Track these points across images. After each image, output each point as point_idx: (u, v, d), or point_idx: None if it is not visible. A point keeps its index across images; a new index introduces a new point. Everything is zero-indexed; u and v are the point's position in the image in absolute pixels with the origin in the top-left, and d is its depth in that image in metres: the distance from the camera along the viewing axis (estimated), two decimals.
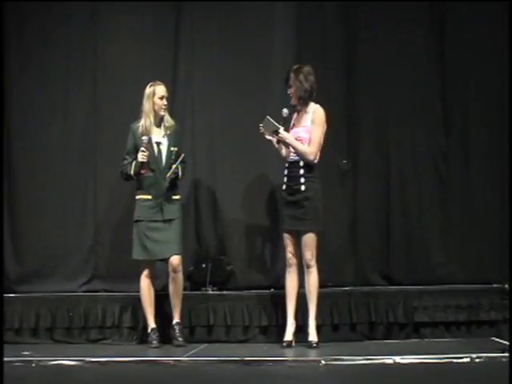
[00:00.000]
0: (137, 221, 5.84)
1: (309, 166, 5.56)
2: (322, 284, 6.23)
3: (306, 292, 5.62)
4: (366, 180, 6.44)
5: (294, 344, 5.58)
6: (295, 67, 5.67)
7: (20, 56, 6.75)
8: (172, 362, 5.00)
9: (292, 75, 5.62)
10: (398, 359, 4.86)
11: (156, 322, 5.86)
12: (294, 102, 5.68)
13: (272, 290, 6.28)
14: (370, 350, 5.37)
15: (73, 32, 6.76)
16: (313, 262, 5.55)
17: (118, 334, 6.13)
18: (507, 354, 4.82)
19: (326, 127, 5.64)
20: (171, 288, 5.81)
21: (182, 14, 6.72)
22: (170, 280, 5.80)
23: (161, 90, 5.85)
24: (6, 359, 4.98)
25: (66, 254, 6.58)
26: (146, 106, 5.83)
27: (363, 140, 6.50)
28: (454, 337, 5.96)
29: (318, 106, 5.66)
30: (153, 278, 5.86)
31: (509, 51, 6.33)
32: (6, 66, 6.71)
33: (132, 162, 5.79)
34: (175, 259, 5.76)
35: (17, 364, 5.01)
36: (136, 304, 6.12)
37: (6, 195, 6.63)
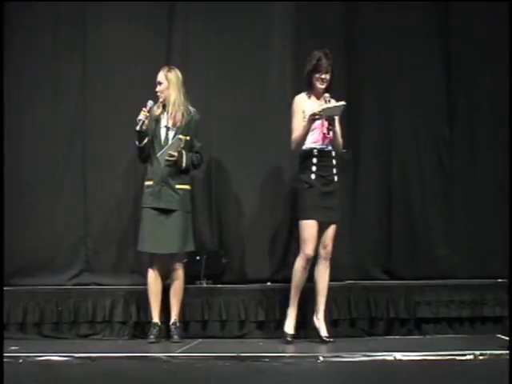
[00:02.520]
0: (142, 208, 5.88)
1: (337, 156, 5.63)
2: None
3: (319, 286, 5.63)
4: (367, 171, 6.45)
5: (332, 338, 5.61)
6: (328, 51, 5.61)
7: (6, 35, 6.66)
8: (165, 357, 5.03)
9: (331, 61, 5.57)
10: (398, 356, 4.88)
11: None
12: (323, 87, 5.60)
13: (269, 283, 6.29)
14: (370, 346, 5.38)
15: (62, 13, 6.72)
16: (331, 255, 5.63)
17: (109, 329, 6.16)
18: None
19: None
20: (171, 287, 5.85)
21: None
22: (170, 277, 5.85)
23: (158, 75, 5.92)
24: None
25: (55, 246, 6.56)
26: None
27: (365, 130, 6.50)
28: (457, 333, 6.00)
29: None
30: (160, 270, 5.84)
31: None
32: None
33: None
34: (174, 257, 5.80)
35: (3, 360, 4.96)
36: (128, 298, 6.17)
37: None
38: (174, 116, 5.86)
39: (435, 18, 6.61)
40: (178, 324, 5.84)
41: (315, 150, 5.58)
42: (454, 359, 4.82)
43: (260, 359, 4.94)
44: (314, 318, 5.67)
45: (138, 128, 5.74)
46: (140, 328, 6.13)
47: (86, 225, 6.62)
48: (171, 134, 5.86)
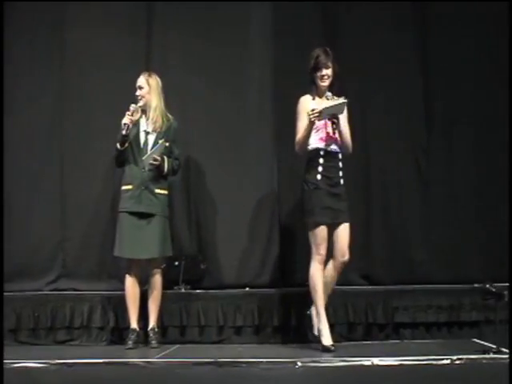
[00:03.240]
0: (119, 212, 5.85)
1: (343, 158, 5.53)
2: (299, 283, 6.29)
3: (328, 290, 5.50)
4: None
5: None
6: (327, 48, 5.51)
7: None
8: (142, 363, 5.00)
9: (330, 57, 5.46)
10: (376, 361, 4.86)
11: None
12: (325, 84, 5.50)
13: (247, 288, 6.31)
14: (348, 351, 5.36)
15: (39, 16, 6.72)
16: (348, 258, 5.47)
17: (87, 335, 6.15)
18: (488, 356, 4.89)
19: None
20: (149, 292, 5.85)
21: (154, 0, 6.73)
22: (148, 282, 5.84)
23: (138, 80, 5.93)
24: None
25: (32, 251, 6.54)
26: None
27: None
28: (435, 338, 6.02)
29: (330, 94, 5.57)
30: (138, 275, 5.84)
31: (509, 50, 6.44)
32: None
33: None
34: (152, 262, 5.80)
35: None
36: (105, 303, 6.15)
37: None
38: (155, 121, 5.87)
39: (413, 26, 6.67)
40: (156, 330, 5.84)
41: (321, 151, 5.46)
42: (432, 364, 4.81)
43: (238, 364, 4.91)
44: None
45: (124, 132, 5.76)
46: (118, 334, 6.12)
47: (63, 230, 6.60)
48: (151, 138, 5.87)
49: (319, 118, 5.33)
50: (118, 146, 5.82)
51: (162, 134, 5.87)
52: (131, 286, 5.82)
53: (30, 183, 6.63)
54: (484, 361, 4.84)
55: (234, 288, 6.29)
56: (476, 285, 5.82)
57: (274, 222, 6.54)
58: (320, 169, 5.45)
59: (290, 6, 6.65)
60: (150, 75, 5.94)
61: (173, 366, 4.96)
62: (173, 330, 6.11)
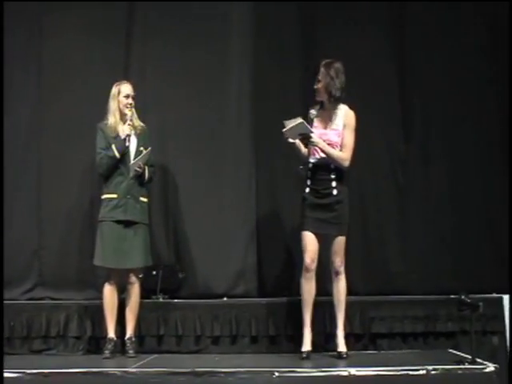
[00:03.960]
0: (100, 221, 5.80)
1: (339, 169, 5.48)
2: (277, 294, 6.33)
3: (335, 301, 5.52)
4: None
5: (310, 356, 5.46)
6: (325, 62, 5.50)
7: None
8: (119, 373, 4.98)
9: (322, 70, 5.46)
10: (353, 371, 4.87)
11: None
12: (319, 97, 5.52)
13: (225, 298, 6.32)
14: (325, 361, 5.39)
15: (18, 21, 6.69)
16: (342, 269, 5.47)
17: (63, 344, 6.13)
18: (463, 366, 4.92)
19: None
20: (126, 300, 5.84)
21: (133, 10, 6.74)
22: (127, 293, 5.83)
23: (126, 88, 5.90)
24: None
25: (8, 260, 6.46)
26: (111, 104, 5.88)
27: None
28: (411, 348, 6.03)
29: (347, 107, 5.54)
30: (117, 284, 5.81)
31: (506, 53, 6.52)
32: None
33: (109, 150, 5.77)
34: (132, 271, 5.79)
35: None
36: (82, 312, 6.14)
37: None
38: (135, 127, 5.88)
39: (391, 35, 6.72)
40: (133, 339, 5.83)
41: (310, 164, 5.52)
42: (408, 374, 4.82)
43: (216, 374, 4.91)
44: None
45: (127, 143, 5.75)
46: (95, 343, 6.11)
47: (39, 238, 6.58)
48: (132, 144, 5.84)
49: (291, 139, 5.37)
50: (117, 154, 5.76)
51: (140, 140, 5.87)
52: (110, 294, 5.79)
53: (6, 192, 6.58)
54: (459, 371, 4.87)
55: (211, 298, 6.28)
56: (452, 296, 5.90)
57: (252, 233, 6.54)
58: (308, 182, 5.53)
59: (271, 20, 6.69)
60: (128, 82, 5.97)
61: (150, 376, 4.94)
62: (150, 340, 6.10)
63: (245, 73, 6.66)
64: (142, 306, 5.98)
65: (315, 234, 5.50)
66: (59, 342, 6.12)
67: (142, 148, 5.84)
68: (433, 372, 4.84)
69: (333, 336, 5.64)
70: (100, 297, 6.00)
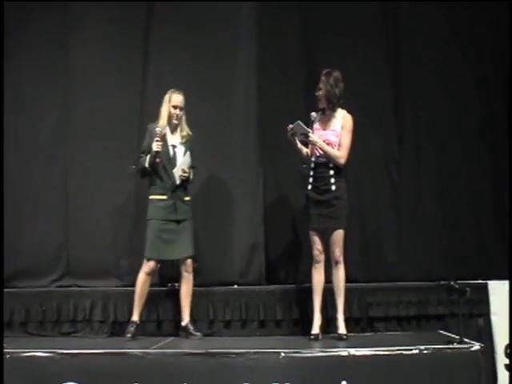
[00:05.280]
0: (151, 219, 5.73)
1: (337, 167, 5.53)
2: (283, 281, 6.35)
3: (335, 287, 5.55)
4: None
5: (320, 337, 5.51)
6: (325, 71, 5.55)
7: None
8: (140, 353, 4.97)
9: (323, 78, 5.52)
10: (352, 351, 4.89)
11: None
12: (321, 105, 5.59)
13: (236, 286, 6.34)
14: (327, 343, 5.40)
15: (45, 35, 6.72)
16: (341, 259, 5.50)
17: (89, 328, 6.15)
18: (452, 346, 4.95)
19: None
20: (183, 288, 5.79)
21: (151, 21, 6.74)
22: (182, 280, 5.79)
23: (175, 99, 5.80)
24: None
25: (39, 252, 6.55)
26: (163, 109, 5.80)
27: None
28: (405, 330, 6.04)
29: (345, 112, 5.59)
30: (153, 275, 5.77)
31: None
32: None
33: (146, 157, 5.72)
34: (189, 260, 5.77)
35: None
36: (106, 299, 6.15)
37: None
38: (184, 135, 5.82)
39: (384, 43, 6.70)
40: (191, 321, 5.81)
41: (312, 163, 5.59)
42: (402, 353, 4.85)
43: (227, 355, 4.91)
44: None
45: (158, 160, 5.67)
46: (117, 326, 6.11)
47: (66, 232, 6.59)
48: (178, 151, 5.80)
49: (292, 138, 5.52)
50: (147, 166, 5.71)
51: (187, 148, 5.82)
52: (144, 283, 5.71)
53: (36, 191, 6.62)
54: (449, 350, 4.90)
55: (223, 285, 6.29)
56: (442, 282, 5.90)
57: (260, 225, 6.53)
58: (311, 180, 5.59)
59: (275, 33, 6.69)
60: (180, 93, 5.83)
61: (167, 356, 4.97)
62: (167, 323, 6.10)
63: (251, 78, 6.65)
64: (159, 294, 6.02)
65: (318, 229, 5.56)
66: (85, 326, 6.14)
67: (186, 154, 5.79)
68: (425, 351, 4.86)
69: (334, 320, 5.65)
70: (121, 284, 6.07)
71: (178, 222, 5.74)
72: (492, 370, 5.72)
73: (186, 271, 5.79)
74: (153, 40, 6.74)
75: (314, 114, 5.62)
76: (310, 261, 5.68)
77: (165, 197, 5.73)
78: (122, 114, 6.62)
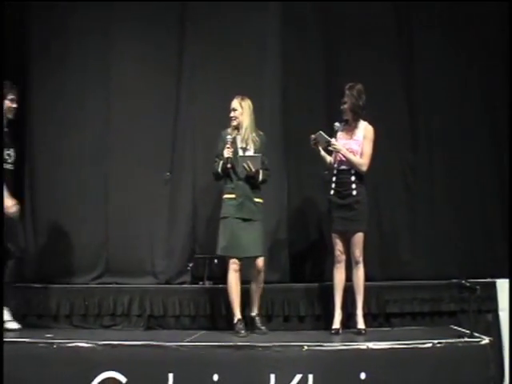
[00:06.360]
0: (223, 218, 5.66)
1: (359, 174, 5.55)
2: (306, 280, 6.36)
3: (355, 285, 5.56)
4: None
5: (341, 331, 5.54)
6: (349, 85, 5.54)
7: (41, 74, 6.80)
8: (174, 346, 4.98)
9: (347, 92, 5.52)
10: (370, 345, 4.89)
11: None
12: (345, 116, 5.60)
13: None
14: (347, 337, 5.40)
15: (88, 53, 6.81)
16: (361, 259, 5.51)
17: (127, 321, 6.17)
18: (463, 340, 4.95)
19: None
20: (253, 285, 5.69)
21: (183, 40, 6.80)
22: (253, 278, 5.66)
23: (232, 102, 5.73)
24: (31, 340, 5.08)
25: (80, 251, 6.60)
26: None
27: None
28: (419, 325, 6.02)
29: (367, 123, 5.61)
30: (240, 271, 5.60)
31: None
32: (29, 82, 6.79)
33: (219, 162, 5.65)
34: (259, 261, 5.63)
35: (40, 345, 5.04)
36: (142, 295, 6.17)
37: (29, 202, 6.67)
38: (246, 139, 5.70)
39: (400, 55, 6.71)
40: (260, 315, 5.75)
41: (334, 170, 5.63)
42: (417, 347, 4.85)
43: (254, 348, 4.93)
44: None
45: (229, 166, 5.60)
46: (153, 320, 6.15)
47: (106, 233, 6.66)
48: (248, 153, 5.69)
49: (316, 146, 5.59)
50: (220, 171, 5.65)
51: (257, 148, 5.70)
52: (234, 281, 5.60)
53: (79, 195, 6.69)
54: (460, 344, 4.89)
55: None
56: (453, 280, 5.89)
57: (285, 227, 6.57)
58: (333, 185, 5.62)
59: (299, 47, 6.72)
60: (242, 99, 5.72)
61: (199, 349, 4.98)
62: (200, 318, 6.12)
63: (276, 95, 6.68)
64: (192, 291, 6.05)
65: (339, 231, 5.59)
66: (124, 320, 6.16)
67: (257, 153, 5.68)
68: (438, 345, 4.85)
69: (353, 316, 5.66)
70: (156, 282, 6.12)
71: (245, 220, 5.62)
72: (500, 362, 5.70)
73: (257, 271, 5.66)
74: (185, 58, 6.79)
75: (337, 124, 5.65)
76: (332, 261, 5.70)
77: (233, 195, 5.65)
78: (157, 124, 6.70)
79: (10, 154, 5.76)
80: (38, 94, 6.81)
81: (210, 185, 6.50)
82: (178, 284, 6.49)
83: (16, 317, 5.80)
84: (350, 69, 6.54)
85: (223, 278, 6.30)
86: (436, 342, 4.88)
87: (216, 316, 6.12)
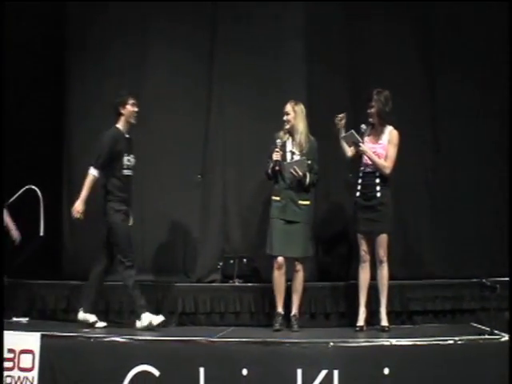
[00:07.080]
0: (271, 218, 5.68)
1: (383, 176, 5.55)
2: (331, 279, 6.33)
3: (379, 284, 5.56)
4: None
5: (365, 328, 5.54)
6: (377, 90, 5.55)
7: (79, 75, 6.86)
8: (205, 341, 5.02)
9: (375, 97, 5.52)
10: (394, 342, 4.88)
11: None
12: (372, 120, 5.61)
13: (289, 283, 6.37)
14: (371, 334, 5.41)
15: (124, 56, 6.85)
16: (385, 259, 5.51)
17: None
18: (484, 337, 4.92)
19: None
20: (292, 285, 5.69)
21: (213, 51, 6.80)
22: (292, 278, 5.68)
23: (286, 106, 5.71)
24: (70, 334, 5.16)
25: None
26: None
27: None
28: (441, 323, 6.02)
29: (392, 127, 5.61)
30: (284, 269, 5.60)
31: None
32: (68, 93, 6.86)
33: (270, 163, 5.66)
34: (297, 262, 5.66)
35: (79, 339, 5.11)
36: (174, 292, 6.19)
37: (67, 202, 6.68)
38: (301, 144, 5.66)
39: (424, 58, 6.67)
40: (297, 316, 5.70)
41: (360, 172, 5.63)
42: (438, 344, 4.83)
43: (281, 344, 4.95)
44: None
45: (277, 168, 5.59)
46: (185, 317, 6.18)
47: (142, 235, 6.63)
48: (295, 157, 5.68)
49: (346, 144, 5.59)
50: (270, 173, 5.66)
51: (306, 154, 5.67)
52: (279, 278, 5.60)
53: None
54: (480, 341, 4.87)
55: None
56: (474, 279, 5.85)
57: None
58: (359, 187, 5.61)
59: (323, 59, 6.69)
60: (296, 103, 5.69)
61: (229, 344, 5.00)
62: (229, 315, 6.15)
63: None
64: (222, 289, 6.08)
65: (364, 232, 5.58)
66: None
67: (302, 157, 5.65)
68: (459, 342, 4.83)
69: (377, 313, 5.66)
70: (189, 280, 6.16)
71: (288, 222, 5.62)
72: None
73: (295, 271, 5.67)
74: (215, 69, 6.81)
75: (363, 126, 5.65)
76: (357, 260, 5.69)
77: (278, 198, 5.67)
78: (188, 131, 6.74)
79: (129, 159, 5.74)
80: (76, 95, 6.86)
81: (240, 186, 6.56)
82: (209, 282, 6.52)
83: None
84: (376, 68, 6.53)
85: (252, 277, 6.39)
86: (457, 339, 4.86)
87: (245, 313, 6.15)
